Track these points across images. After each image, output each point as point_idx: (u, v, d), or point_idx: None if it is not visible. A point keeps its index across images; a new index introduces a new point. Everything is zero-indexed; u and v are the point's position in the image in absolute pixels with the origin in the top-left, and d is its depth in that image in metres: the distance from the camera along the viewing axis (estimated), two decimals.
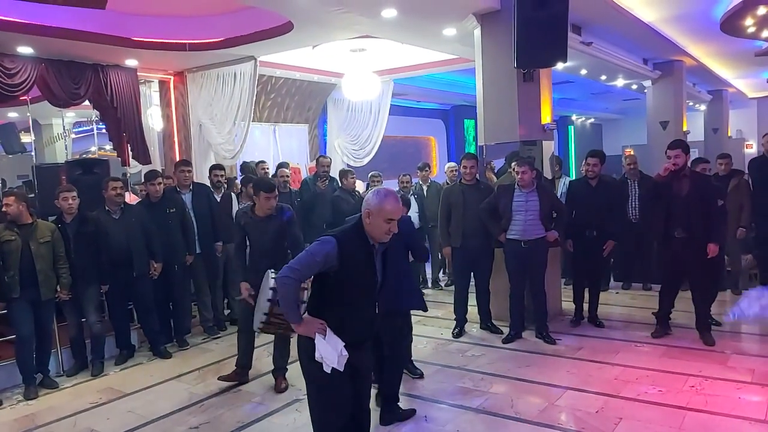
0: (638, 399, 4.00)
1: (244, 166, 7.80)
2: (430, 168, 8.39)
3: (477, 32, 6.21)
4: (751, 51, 10.01)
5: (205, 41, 6.94)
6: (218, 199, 6.08)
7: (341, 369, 2.55)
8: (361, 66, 8.32)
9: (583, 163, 5.94)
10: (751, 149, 15.97)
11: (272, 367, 4.57)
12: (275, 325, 3.89)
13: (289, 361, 4.47)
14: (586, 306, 5.85)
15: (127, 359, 5.37)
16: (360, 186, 7.86)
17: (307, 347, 2.58)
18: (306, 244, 6.56)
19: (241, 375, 4.66)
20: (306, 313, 2.64)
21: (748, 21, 7.83)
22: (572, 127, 19.03)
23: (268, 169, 7.19)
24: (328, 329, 2.55)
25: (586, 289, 5.83)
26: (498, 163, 7.17)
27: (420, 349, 4.44)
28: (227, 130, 7.77)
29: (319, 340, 2.52)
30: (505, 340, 5.39)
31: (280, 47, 7.08)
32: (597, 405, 3.92)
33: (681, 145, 5.08)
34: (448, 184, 7.25)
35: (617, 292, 7.08)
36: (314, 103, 9.95)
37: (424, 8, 5.87)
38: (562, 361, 4.83)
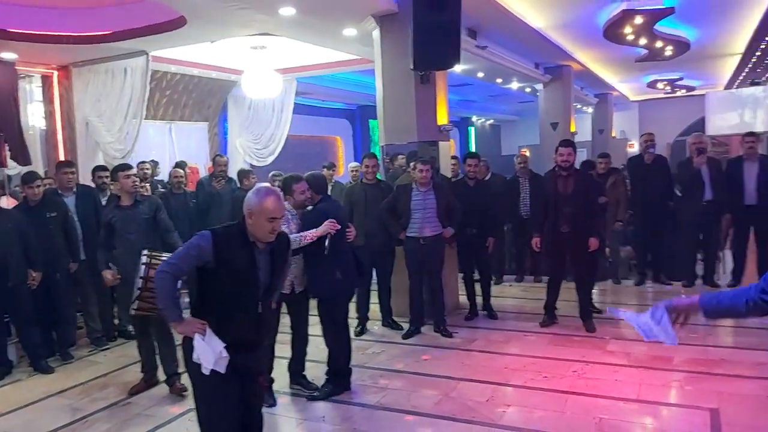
0: (525, 386, 4.23)
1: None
2: (335, 167, 8.41)
3: (376, 33, 6.30)
4: (632, 57, 10.85)
5: (91, 34, 6.52)
6: (104, 202, 5.74)
7: (222, 371, 2.50)
8: (262, 63, 8.17)
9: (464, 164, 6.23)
10: (633, 148, 17.31)
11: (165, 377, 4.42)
12: (147, 301, 3.83)
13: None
14: (480, 299, 6.10)
15: (3, 376, 4.94)
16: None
17: (188, 348, 2.54)
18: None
19: (149, 380, 4.52)
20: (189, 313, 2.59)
21: (627, 29, 8.48)
22: (473, 127, 19.75)
23: (147, 169, 6.85)
24: (208, 330, 2.50)
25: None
26: None
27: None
28: (117, 127, 7.35)
29: (197, 340, 2.49)
30: (405, 336, 5.51)
31: (173, 42, 6.80)
32: (487, 394, 4.10)
33: (572, 144, 5.46)
34: (351, 183, 7.31)
35: (510, 285, 7.44)
36: (214, 100, 9.65)
37: (323, 8, 5.87)
38: (458, 354, 5.01)
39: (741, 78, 13.97)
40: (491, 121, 20.87)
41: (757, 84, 14.24)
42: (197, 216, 6.41)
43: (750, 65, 12.26)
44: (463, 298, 6.37)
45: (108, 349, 5.63)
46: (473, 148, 19.44)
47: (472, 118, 19.40)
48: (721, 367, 4.41)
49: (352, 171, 7.75)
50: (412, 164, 5.87)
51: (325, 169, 7.87)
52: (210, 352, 2.47)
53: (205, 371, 2.48)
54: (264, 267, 2.64)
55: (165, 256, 3.98)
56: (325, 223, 3.96)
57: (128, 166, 4.59)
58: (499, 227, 6.22)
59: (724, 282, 6.82)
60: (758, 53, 10.96)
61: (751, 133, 6.63)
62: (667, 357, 4.64)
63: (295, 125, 10.25)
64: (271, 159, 9.85)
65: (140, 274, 3.87)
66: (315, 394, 4.20)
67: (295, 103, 9.99)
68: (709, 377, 4.23)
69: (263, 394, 3.56)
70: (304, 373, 4.38)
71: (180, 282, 2.57)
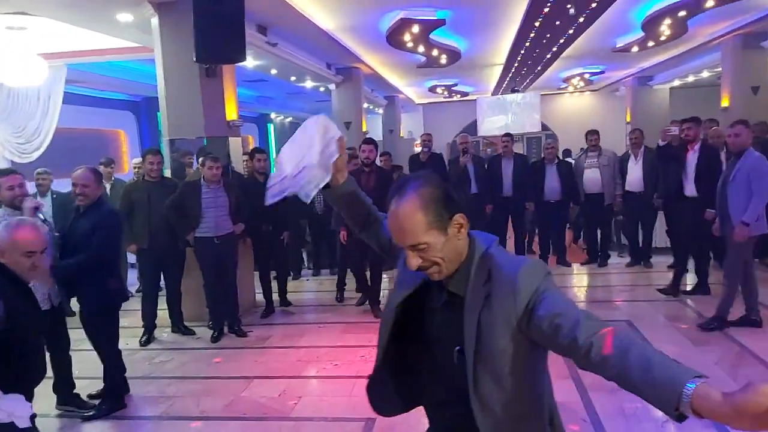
0: (317, 376, 4.37)
1: None
2: (114, 164, 7.71)
3: (154, 21, 5.93)
4: (414, 63, 11.72)
5: None
6: None
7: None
8: (22, 46, 7.15)
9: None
10: (419, 147, 18.78)
11: None
12: None
13: None
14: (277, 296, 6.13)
15: None
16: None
17: None
18: None
19: None
20: None
21: (407, 37, 9.14)
22: (272, 124, 19.63)
23: None
24: None
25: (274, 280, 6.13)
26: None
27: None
28: None
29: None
30: (214, 340, 5.30)
31: None
32: (280, 389, 4.14)
33: (373, 141, 5.81)
34: (134, 180, 6.78)
35: (308, 279, 7.60)
36: None
37: None
38: (251, 352, 4.97)
39: (504, 86, 15.98)
40: (290, 118, 20.92)
41: (517, 91, 16.48)
42: None
43: (510, 75, 14.08)
44: (259, 296, 6.33)
45: None
46: (272, 145, 19.32)
47: (271, 114, 19.23)
48: None
49: (135, 167, 7.20)
50: (201, 160, 5.67)
51: (102, 166, 7.17)
52: (21, 405, 2.17)
53: (25, 423, 2.16)
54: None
55: None
56: None
57: None
58: (294, 223, 6.30)
59: None
60: (516, 65, 12.65)
61: (507, 134, 7.66)
62: None
63: (67, 117, 9.14)
64: (36, 155, 8.65)
65: None
66: (91, 413, 3.83)
67: (66, 93, 8.91)
68: None
69: None
70: (75, 391, 3.97)
71: None
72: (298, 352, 4.88)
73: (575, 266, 7.53)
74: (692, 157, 5.63)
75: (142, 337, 5.33)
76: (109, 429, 3.70)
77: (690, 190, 5.66)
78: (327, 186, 1.57)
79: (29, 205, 3.53)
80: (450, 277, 1.40)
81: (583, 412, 3.57)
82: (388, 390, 1.58)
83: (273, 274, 6.15)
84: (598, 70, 14.73)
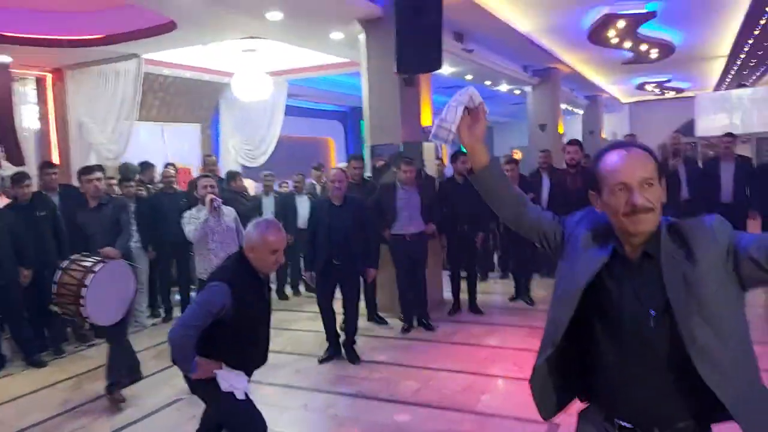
0: (501, 376, 4.39)
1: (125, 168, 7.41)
2: (325, 168, 8.56)
3: (362, 37, 6.46)
4: (619, 60, 11.01)
5: (84, 38, 6.68)
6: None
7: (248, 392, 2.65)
8: (253, 66, 8.32)
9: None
10: None
11: (151, 372, 4.56)
12: (64, 296, 3.88)
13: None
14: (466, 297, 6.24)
15: None
16: (251, 185, 7.89)
17: (211, 383, 2.56)
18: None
19: (130, 376, 4.49)
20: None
21: (611, 33, 8.65)
22: None
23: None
24: (222, 365, 2.60)
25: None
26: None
27: (305, 342, 4.61)
28: (110, 129, 7.50)
29: (220, 374, 2.58)
30: (405, 330, 5.64)
31: (164, 45, 6.96)
32: (465, 383, 4.25)
33: (577, 143, 6.06)
34: None
35: (495, 282, 7.60)
36: (206, 102, 9.80)
37: (309, 12, 6.02)
38: (439, 346, 5.17)
39: (728, 80, 14.15)
40: None
41: (745, 86, 14.47)
42: None
43: (736, 67, 12.44)
44: (447, 294, 6.52)
45: (95, 345, 5.67)
46: (465, 150, 19.58)
47: None
48: None
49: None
50: (397, 164, 6.05)
51: (314, 170, 8.04)
52: (239, 378, 2.61)
53: (241, 395, 2.58)
54: (265, 293, 2.75)
55: (87, 261, 3.97)
56: None
57: (90, 170, 4.51)
58: (487, 224, 6.35)
59: None
60: (742, 56, 11.15)
61: (729, 134, 6.80)
62: None
63: (287, 126, 10.39)
64: (262, 159, 9.98)
65: (54, 278, 3.94)
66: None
67: (287, 105, 10.14)
68: None
69: None
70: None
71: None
72: (483, 351, 4.95)
73: None
74: None
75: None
76: (313, 399, 4.16)
77: None
78: (471, 171, 1.72)
79: (209, 198, 4.37)
80: (646, 240, 1.45)
81: None
82: (550, 383, 1.64)
83: (462, 274, 6.29)
84: None
